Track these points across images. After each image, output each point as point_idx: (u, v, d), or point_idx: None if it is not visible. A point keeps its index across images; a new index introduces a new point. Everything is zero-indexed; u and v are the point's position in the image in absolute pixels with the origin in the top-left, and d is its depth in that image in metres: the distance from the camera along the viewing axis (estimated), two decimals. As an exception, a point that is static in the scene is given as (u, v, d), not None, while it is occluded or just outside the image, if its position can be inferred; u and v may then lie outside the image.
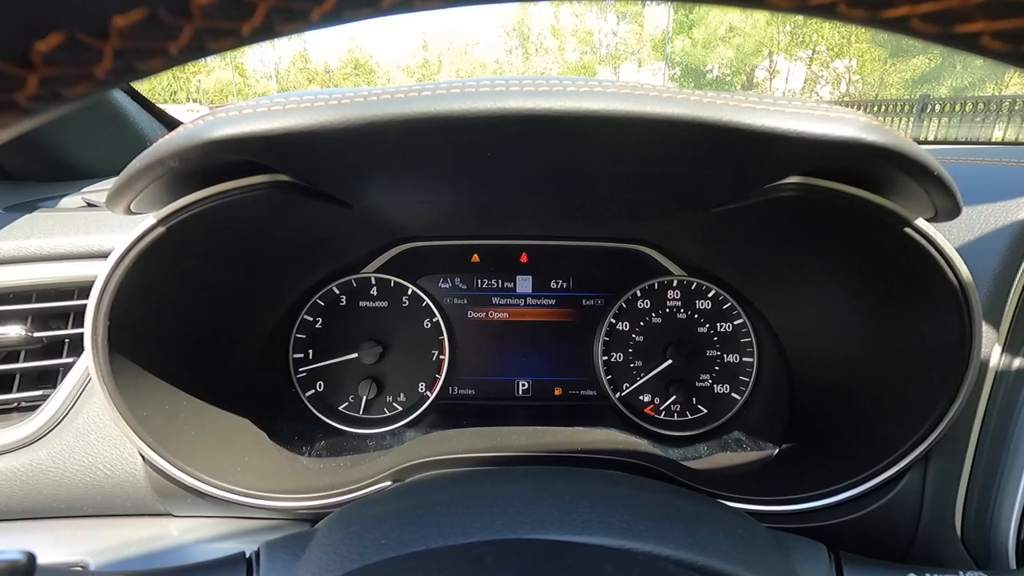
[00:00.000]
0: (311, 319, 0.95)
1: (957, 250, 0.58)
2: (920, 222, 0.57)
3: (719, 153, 0.53)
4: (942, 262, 0.57)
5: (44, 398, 0.72)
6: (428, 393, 0.97)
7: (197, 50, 0.18)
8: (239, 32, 0.18)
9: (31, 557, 0.31)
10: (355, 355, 0.94)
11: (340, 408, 0.96)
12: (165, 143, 0.49)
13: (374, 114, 0.46)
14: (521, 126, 0.49)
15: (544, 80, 0.49)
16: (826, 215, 0.63)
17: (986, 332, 0.64)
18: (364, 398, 0.95)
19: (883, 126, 0.48)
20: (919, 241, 0.57)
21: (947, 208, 0.54)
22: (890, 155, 0.48)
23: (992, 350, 0.65)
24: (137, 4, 0.16)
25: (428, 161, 0.58)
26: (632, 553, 0.42)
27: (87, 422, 0.70)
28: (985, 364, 0.65)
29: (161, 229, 0.58)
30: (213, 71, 35.73)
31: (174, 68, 0.20)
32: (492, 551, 0.40)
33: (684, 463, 0.82)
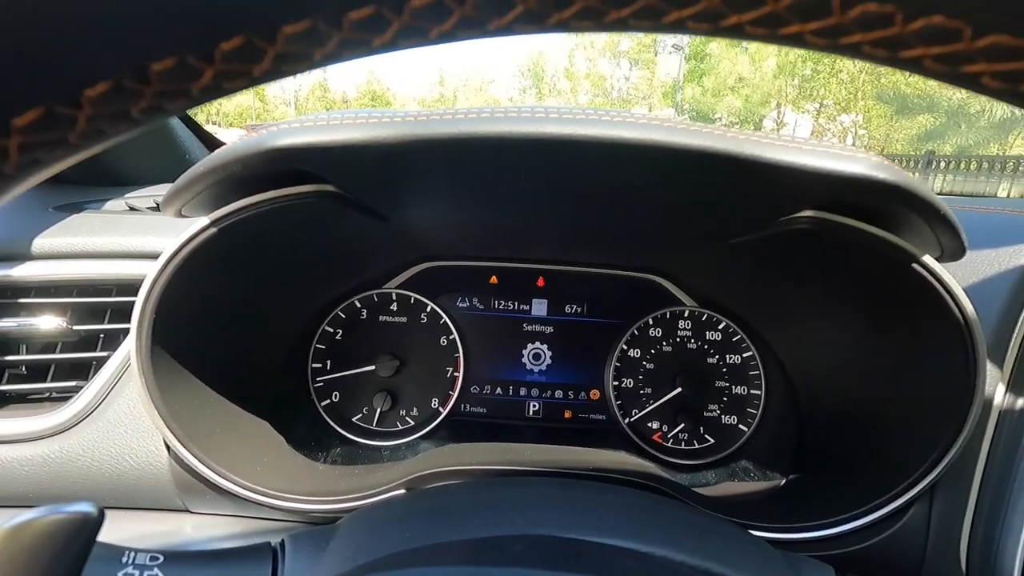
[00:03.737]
0: (331, 330, 0.98)
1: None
2: (927, 259, 0.60)
3: (739, 184, 0.57)
4: (948, 299, 0.60)
5: (76, 389, 0.75)
6: (441, 409, 0.99)
7: (276, 72, 0.20)
8: (312, 57, 0.20)
9: (101, 511, 0.33)
10: (372, 368, 0.97)
11: (354, 419, 0.98)
12: (230, 150, 0.53)
13: (425, 133, 0.51)
14: (556, 150, 0.53)
15: (580, 110, 0.53)
16: (837, 249, 0.66)
17: (991, 371, 0.66)
18: (378, 410, 0.97)
19: (893, 166, 0.52)
20: (926, 277, 0.60)
21: (952, 248, 0.58)
22: (899, 193, 0.51)
23: (996, 389, 0.67)
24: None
25: (465, 179, 0.62)
26: (650, 556, 0.44)
27: (118, 414, 0.72)
28: (989, 402, 0.67)
29: (213, 230, 0.61)
30: (233, 96, 36.63)
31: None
32: (515, 543, 0.42)
33: (692, 489, 0.84)
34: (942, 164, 11.10)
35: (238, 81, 0.20)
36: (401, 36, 0.19)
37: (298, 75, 0.22)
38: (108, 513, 0.75)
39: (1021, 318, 0.67)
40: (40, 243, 0.79)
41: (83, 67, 0.18)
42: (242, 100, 36.48)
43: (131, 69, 0.18)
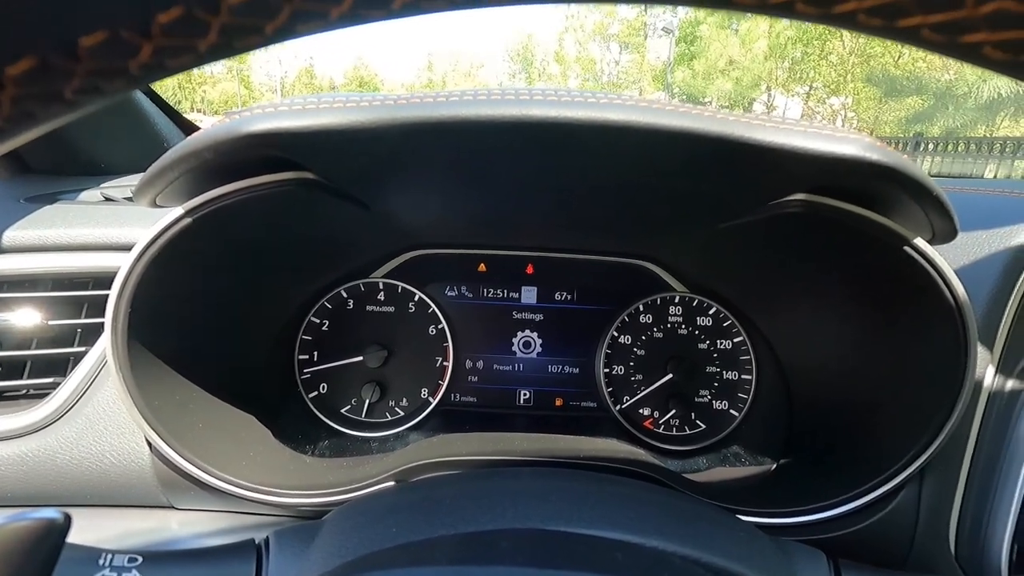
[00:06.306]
0: (318, 321, 0.96)
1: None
2: (919, 241, 0.59)
3: (729, 167, 0.56)
4: (939, 281, 0.59)
5: (53, 386, 0.73)
6: (431, 399, 0.98)
7: (224, 48, 0.18)
8: (263, 31, 0.18)
9: (67, 517, 0.32)
10: (360, 358, 0.95)
11: (342, 411, 0.97)
12: (202, 135, 0.51)
13: (404, 116, 0.49)
14: (542, 133, 0.51)
15: (566, 92, 0.51)
16: (827, 233, 0.65)
17: (980, 353, 0.66)
18: (367, 401, 0.95)
19: (886, 147, 0.50)
20: (917, 260, 0.59)
21: (944, 230, 0.57)
22: (892, 174, 0.50)
23: (986, 371, 0.67)
24: (175, 3, 0.16)
25: (449, 165, 0.60)
26: (639, 547, 0.44)
27: (97, 410, 0.71)
28: (979, 384, 0.66)
29: (188, 220, 0.59)
30: (219, 83, 36.13)
31: (195, 68, 0.20)
32: (503, 538, 0.42)
33: (684, 475, 0.83)
34: (930, 146, 11.13)
35: (183, 58, 0.18)
36: (361, 4, 0.18)
37: (251, 52, 0.20)
38: (91, 511, 0.74)
39: (1010, 301, 0.66)
40: (12, 235, 0.76)
41: (2, 42, 0.16)
42: (227, 87, 35.93)
43: (58, 44, 0.16)
